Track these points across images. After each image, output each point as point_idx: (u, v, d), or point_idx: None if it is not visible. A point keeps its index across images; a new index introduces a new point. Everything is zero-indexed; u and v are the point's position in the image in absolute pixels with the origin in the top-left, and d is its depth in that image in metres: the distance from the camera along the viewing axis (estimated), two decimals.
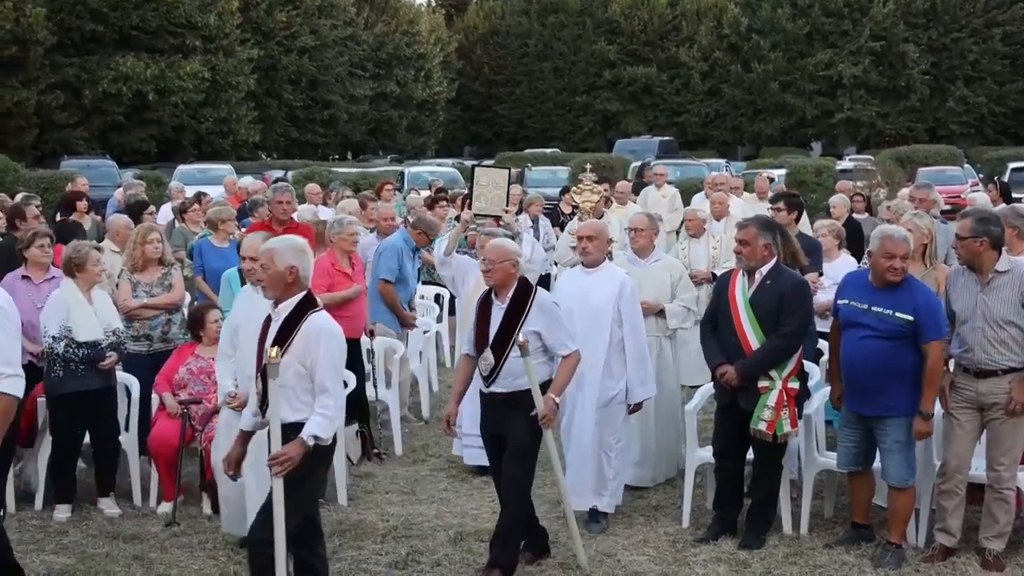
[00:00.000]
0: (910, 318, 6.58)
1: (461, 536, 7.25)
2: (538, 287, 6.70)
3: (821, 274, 8.95)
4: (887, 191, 23.59)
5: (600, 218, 10.49)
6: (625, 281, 7.40)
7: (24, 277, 8.35)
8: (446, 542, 7.19)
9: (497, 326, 6.48)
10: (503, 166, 9.70)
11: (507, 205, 9.24)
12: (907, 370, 6.63)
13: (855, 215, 13.56)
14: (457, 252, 9.16)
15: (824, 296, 8.48)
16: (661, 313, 8.27)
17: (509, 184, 9.17)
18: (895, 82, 56.53)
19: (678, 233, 14.26)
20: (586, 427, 7.34)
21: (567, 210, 17.39)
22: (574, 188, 11.93)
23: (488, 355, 6.46)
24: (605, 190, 14.26)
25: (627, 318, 7.33)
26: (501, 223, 8.88)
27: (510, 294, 6.50)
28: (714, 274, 10.67)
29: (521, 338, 6.32)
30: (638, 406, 7.44)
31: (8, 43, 39.06)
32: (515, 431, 6.40)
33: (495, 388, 6.49)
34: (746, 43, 57.96)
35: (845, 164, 35.57)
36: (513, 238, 7.68)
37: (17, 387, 5.25)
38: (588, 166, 11.59)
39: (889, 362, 6.62)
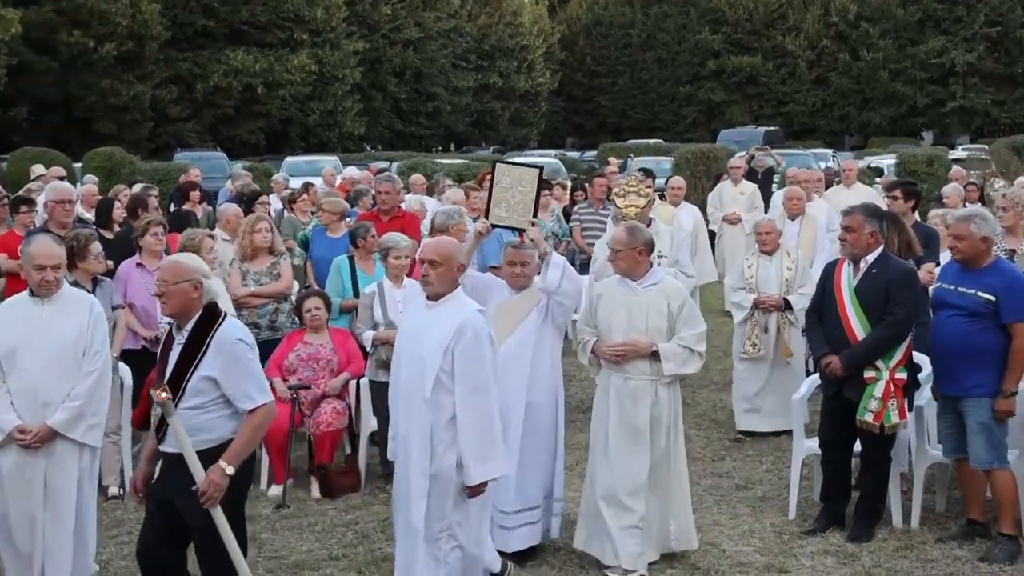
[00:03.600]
0: (991, 298, 6.60)
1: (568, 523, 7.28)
2: (226, 318, 5.31)
3: (938, 264, 8.73)
4: (1003, 182, 22.91)
5: (648, 225, 8.56)
6: (468, 322, 5.49)
7: (138, 265, 8.61)
8: None
9: (172, 367, 5.27)
10: (532, 165, 7.09)
11: (534, 215, 6.71)
12: (989, 350, 6.61)
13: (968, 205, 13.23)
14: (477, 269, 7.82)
15: None
16: (656, 355, 6.47)
17: (539, 188, 6.73)
18: (1011, 69, 54.86)
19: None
20: (412, 502, 5.56)
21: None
22: (616, 190, 9.63)
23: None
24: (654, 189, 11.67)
25: (461, 373, 5.43)
26: (525, 238, 6.71)
27: (189, 326, 5.25)
28: (786, 300, 9.32)
29: (163, 394, 5.01)
30: (478, 489, 5.54)
31: (125, 39, 40.12)
32: (190, 509, 5.16)
33: (166, 447, 5.29)
34: (855, 31, 56.75)
35: (958, 154, 34.71)
36: (541, 258, 6.61)
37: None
38: (630, 160, 10.63)
39: (969, 341, 6.62)
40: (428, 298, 5.68)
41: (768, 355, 9.39)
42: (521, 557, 6.56)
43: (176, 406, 5.12)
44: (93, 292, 7.91)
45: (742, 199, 15.85)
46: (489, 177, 6.95)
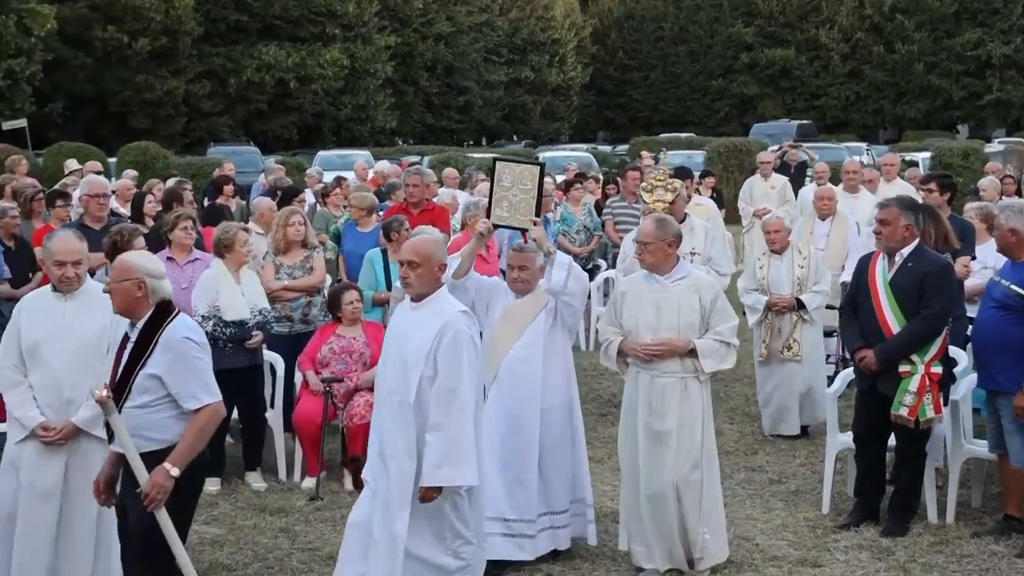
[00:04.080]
0: (1021, 291, 6.56)
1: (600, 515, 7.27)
2: (179, 315, 5.13)
3: (973, 257, 8.65)
4: None
5: (682, 221, 8.33)
6: (449, 324, 5.24)
7: (169, 259, 8.65)
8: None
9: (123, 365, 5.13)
10: (534, 161, 6.95)
11: (537, 214, 6.49)
12: (1016, 344, 6.54)
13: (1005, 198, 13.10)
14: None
15: (975, 281, 8.22)
16: (692, 352, 6.29)
17: (541, 186, 6.49)
18: None
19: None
20: (395, 511, 5.24)
21: (706, 194, 17.06)
22: (643, 184, 9.42)
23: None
24: (687, 187, 11.56)
25: (443, 374, 5.18)
26: (528, 238, 6.54)
27: (139, 325, 5.10)
28: (799, 300, 9.10)
29: (102, 392, 4.80)
30: (431, 492, 5.17)
31: (159, 34, 40.37)
32: (134, 511, 5.00)
33: (116, 447, 5.11)
34: (889, 23, 56.23)
35: (994, 147, 34.30)
36: (546, 257, 6.43)
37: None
38: (662, 154, 10.39)
39: (999, 334, 6.60)
40: (412, 299, 5.45)
41: (787, 356, 9.19)
42: (545, 562, 6.48)
43: (123, 405, 4.99)
44: None
45: (773, 193, 15.62)
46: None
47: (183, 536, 5.07)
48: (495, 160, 6.71)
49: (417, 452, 5.20)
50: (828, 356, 9.90)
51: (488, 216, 6.56)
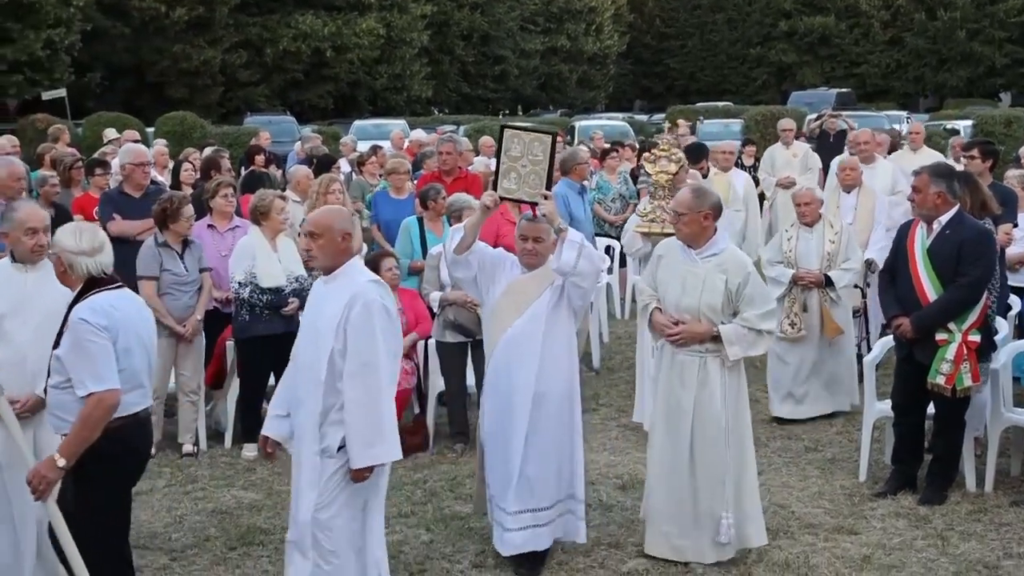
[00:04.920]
0: None
1: (632, 483, 7.28)
2: (97, 294, 4.89)
3: (1015, 225, 8.52)
4: None
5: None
6: (358, 295, 4.99)
7: (209, 226, 8.72)
8: (615, 489, 7.25)
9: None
10: (546, 130, 6.25)
11: (548, 187, 6.00)
12: None
13: None
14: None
15: (1018, 249, 8.13)
16: (717, 338, 5.98)
17: (552, 157, 6.00)
18: None
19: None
20: (302, 493, 5.11)
21: (748, 163, 16.93)
22: (646, 155, 8.82)
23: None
24: (702, 167, 10.93)
25: (351, 348, 4.94)
26: (538, 212, 5.99)
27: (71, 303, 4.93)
28: (827, 277, 8.65)
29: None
30: (363, 473, 4.98)
31: (195, 4, 40.42)
32: (67, 492, 4.88)
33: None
34: None
35: None
36: (557, 234, 5.88)
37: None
38: (702, 122, 9.82)
39: None
40: (323, 273, 5.22)
41: (813, 336, 8.70)
42: (528, 562, 5.96)
43: (47, 383, 4.89)
44: (183, 254, 8.08)
45: (795, 162, 15.03)
46: (559, 137, 6.67)
47: (124, 528, 5.01)
48: (502, 128, 6.13)
49: (321, 434, 4.99)
50: None
51: (495, 188, 6.04)
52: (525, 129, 6.13)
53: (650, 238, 7.95)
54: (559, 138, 7.81)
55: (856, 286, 9.16)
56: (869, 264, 9.55)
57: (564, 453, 5.98)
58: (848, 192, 10.14)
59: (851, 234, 8.96)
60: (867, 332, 9.72)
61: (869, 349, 9.02)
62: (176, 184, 10.33)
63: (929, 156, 12.56)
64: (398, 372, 5.32)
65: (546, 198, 5.92)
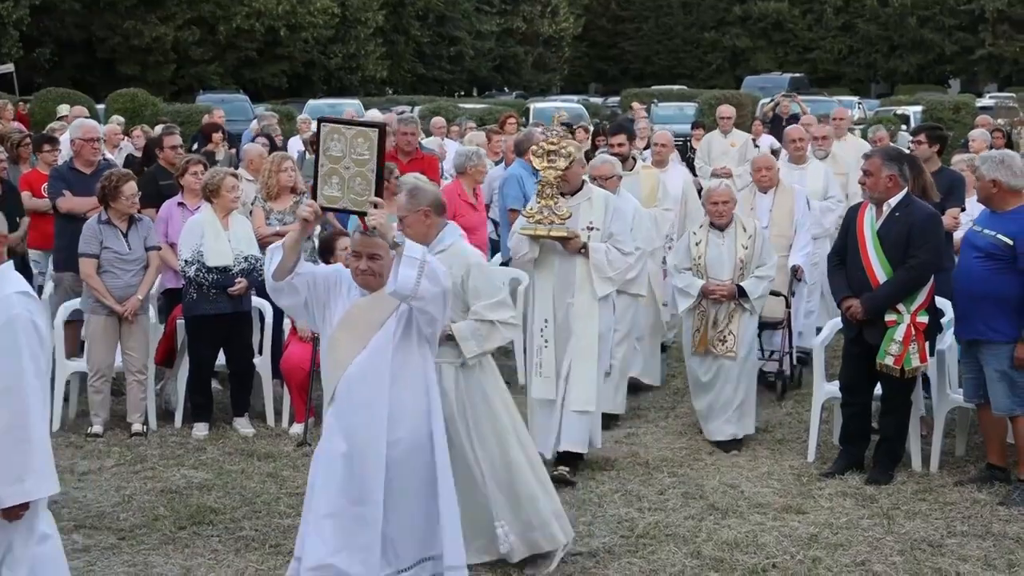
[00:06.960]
0: (1010, 241, 6.59)
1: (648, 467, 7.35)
2: None
3: (963, 209, 8.62)
4: None
5: (579, 189, 7.20)
6: (1, 309, 4.25)
7: (180, 204, 8.66)
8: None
9: None
10: (372, 123, 5.06)
11: (378, 192, 4.80)
12: (1005, 294, 6.59)
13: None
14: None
15: (964, 232, 8.22)
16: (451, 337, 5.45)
17: (382, 155, 4.82)
18: None
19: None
20: None
21: (696, 146, 16.92)
22: (533, 148, 7.40)
23: None
24: (628, 147, 9.51)
25: None
26: (367, 226, 4.80)
27: None
28: (740, 287, 7.71)
29: None
30: (17, 511, 4.24)
31: None
32: None
33: None
34: None
35: (985, 101, 34.32)
36: (392, 248, 4.77)
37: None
38: (656, 106, 8.83)
39: (985, 284, 6.62)
40: None
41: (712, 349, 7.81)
42: None
43: None
44: (127, 232, 8.00)
45: (733, 151, 13.93)
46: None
47: None
48: (319, 121, 5.04)
49: None
50: (772, 352, 9.00)
51: (314, 196, 4.92)
52: (346, 123, 5.04)
53: (537, 242, 7.06)
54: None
55: (777, 293, 8.60)
56: (795, 271, 9.00)
57: (426, 505, 5.04)
58: (764, 193, 9.26)
59: (765, 237, 8.13)
60: (790, 346, 9.01)
61: (793, 364, 9.09)
62: (150, 162, 10.20)
63: (855, 146, 11.89)
64: (48, 393, 4.68)
65: (376, 206, 4.76)
